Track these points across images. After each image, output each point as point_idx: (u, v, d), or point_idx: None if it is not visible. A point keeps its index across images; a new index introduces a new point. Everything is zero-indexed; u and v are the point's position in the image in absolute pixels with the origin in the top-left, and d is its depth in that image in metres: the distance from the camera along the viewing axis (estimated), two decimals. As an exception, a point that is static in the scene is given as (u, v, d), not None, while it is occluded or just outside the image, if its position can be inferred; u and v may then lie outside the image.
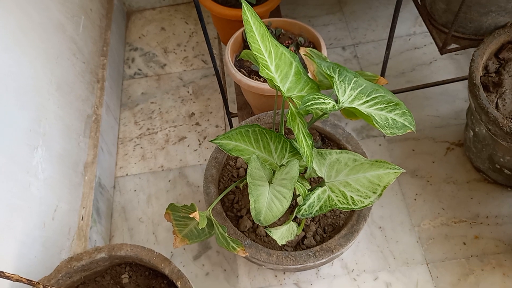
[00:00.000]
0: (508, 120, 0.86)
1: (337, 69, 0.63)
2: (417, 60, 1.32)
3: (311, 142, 0.64)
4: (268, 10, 1.13)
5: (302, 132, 0.62)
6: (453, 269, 0.98)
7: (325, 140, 0.95)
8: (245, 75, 0.99)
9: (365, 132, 1.21)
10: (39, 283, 0.58)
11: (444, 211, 1.06)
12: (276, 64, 0.63)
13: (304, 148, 0.62)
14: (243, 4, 0.59)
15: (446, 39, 0.99)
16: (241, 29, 1.06)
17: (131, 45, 1.48)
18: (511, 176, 1.00)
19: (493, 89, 0.93)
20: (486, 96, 0.91)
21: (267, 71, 0.61)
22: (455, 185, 1.09)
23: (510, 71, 0.94)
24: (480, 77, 0.94)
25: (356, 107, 0.61)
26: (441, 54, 1.02)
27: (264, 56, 0.61)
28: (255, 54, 0.61)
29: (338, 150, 0.71)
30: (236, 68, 1.00)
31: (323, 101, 0.59)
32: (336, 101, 0.62)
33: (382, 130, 0.60)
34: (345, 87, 0.62)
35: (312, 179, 0.91)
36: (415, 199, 1.08)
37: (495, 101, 0.91)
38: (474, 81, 0.90)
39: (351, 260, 1.02)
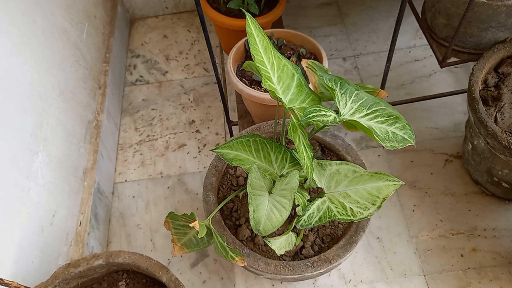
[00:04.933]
0: (506, 134, 0.87)
1: (339, 82, 0.64)
2: (417, 73, 1.33)
3: (311, 153, 0.64)
4: (271, 21, 1.14)
5: (303, 144, 0.63)
6: (450, 281, 0.98)
7: (325, 151, 0.95)
8: (246, 84, 1.00)
9: (364, 143, 1.21)
10: (37, 290, 0.58)
11: (442, 223, 1.06)
12: (278, 76, 0.64)
13: (304, 159, 0.63)
14: (247, 16, 0.60)
15: (446, 53, 1.00)
16: (244, 39, 1.07)
17: (134, 52, 1.49)
18: (509, 189, 1.00)
19: (492, 103, 0.94)
20: (485, 110, 0.92)
21: (269, 82, 0.62)
22: (453, 197, 1.10)
23: (509, 86, 0.95)
24: (480, 91, 0.95)
25: (357, 120, 0.62)
26: (441, 67, 1.03)
27: (266, 68, 0.62)
28: (258, 66, 0.61)
29: (338, 161, 0.71)
30: (238, 78, 1.01)
31: (325, 113, 0.59)
32: (337, 113, 0.63)
33: (382, 143, 0.60)
34: (346, 99, 0.63)
35: (311, 189, 0.91)
36: (413, 211, 1.09)
37: (494, 115, 0.92)
38: (474, 95, 0.91)
39: (348, 270, 1.02)
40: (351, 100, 0.63)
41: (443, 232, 1.05)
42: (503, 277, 0.98)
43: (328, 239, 0.86)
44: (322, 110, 0.60)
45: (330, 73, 0.73)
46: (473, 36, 0.98)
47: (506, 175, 0.96)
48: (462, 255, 1.02)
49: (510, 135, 0.88)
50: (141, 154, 1.26)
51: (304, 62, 0.73)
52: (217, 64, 1.37)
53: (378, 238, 1.06)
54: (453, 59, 1.06)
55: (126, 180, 1.21)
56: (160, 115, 1.33)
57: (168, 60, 1.46)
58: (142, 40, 1.52)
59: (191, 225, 0.62)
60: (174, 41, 1.51)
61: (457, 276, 0.99)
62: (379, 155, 1.19)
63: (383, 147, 1.20)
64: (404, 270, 1.01)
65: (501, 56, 0.97)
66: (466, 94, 1.16)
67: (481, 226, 1.05)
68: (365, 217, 0.67)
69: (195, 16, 1.57)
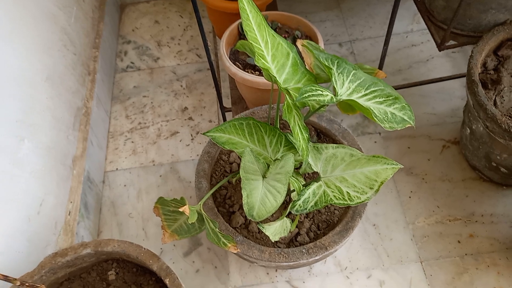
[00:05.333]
0: (506, 118, 0.85)
1: (336, 61, 0.61)
2: (414, 58, 1.31)
3: (307, 135, 0.62)
4: (265, 4, 1.11)
5: (298, 125, 0.60)
6: (447, 268, 0.97)
7: (321, 136, 0.93)
8: (240, 68, 0.97)
9: (360, 129, 1.19)
10: (16, 279, 0.55)
11: (439, 209, 1.05)
12: (272, 54, 0.61)
13: (300, 141, 0.60)
14: (239, -10, 0.57)
15: (445, 36, 0.98)
16: (237, 22, 1.04)
17: (124, 38, 1.45)
18: (507, 174, 0.99)
19: (491, 87, 0.92)
20: (485, 93, 0.89)
21: (263, 60, 0.59)
22: (450, 183, 1.08)
23: (508, 69, 0.93)
24: (479, 74, 0.93)
25: (355, 99, 0.59)
26: (440, 50, 1.01)
27: (260, 45, 0.59)
28: (251, 43, 0.58)
29: (335, 145, 0.69)
30: (231, 61, 0.98)
31: (321, 92, 0.57)
32: (334, 93, 0.60)
33: (381, 124, 0.58)
34: (343, 79, 0.60)
35: (307, 175, 0.89)
36: (410, 197, 1.07)
37: (493, 99, 0.90)
38: (473, 78, 0.89)
39: (344, 257, 1.00)
40: (348, 80, 0.60)
41: (440, 218, 1.04)
42: (500, 263, 0.97)
43: (324, 226, 0.84)
44: (319, 90, 0.57)
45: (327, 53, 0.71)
46: (472, 18, 0.96)
47: (505, 160, 0.94)
48: (459, 241, 1.00)
49: (509, 118, 0.86)
50: (132, 142, 1.23)
51: (299, 42, 0.70)
52: (210, 49, 1.33)
53: (374, 225, 1.04)
54: (451, 42, 1.04)
55: (117, 169, 1.18)
56: (152, 102, 1.30)
57: (160, 46, 1.42)
58: (133, 26, 1.48)
59: (180, 209, 0.60)
60: (166, 26, 1.47)
61: (454, 262, 0.98)
62: (375, 141, 1.16)
63: (380, 133, 1.18)
64: (401, 257, 0.99)
65: (501, 39, 0.95)
66: (464, 79, 1.15)
67: (478, 212, 1.04)
68: (363, 201, 0.65)
69: (187, 2, 1.53)
